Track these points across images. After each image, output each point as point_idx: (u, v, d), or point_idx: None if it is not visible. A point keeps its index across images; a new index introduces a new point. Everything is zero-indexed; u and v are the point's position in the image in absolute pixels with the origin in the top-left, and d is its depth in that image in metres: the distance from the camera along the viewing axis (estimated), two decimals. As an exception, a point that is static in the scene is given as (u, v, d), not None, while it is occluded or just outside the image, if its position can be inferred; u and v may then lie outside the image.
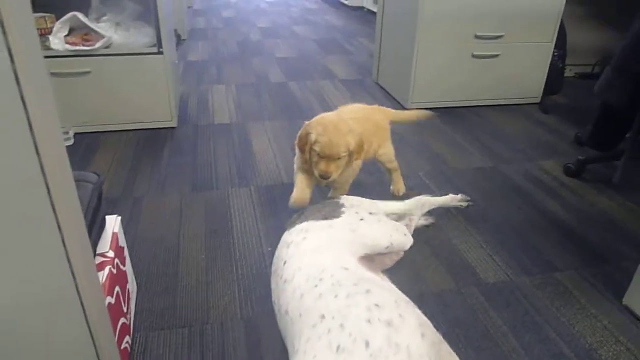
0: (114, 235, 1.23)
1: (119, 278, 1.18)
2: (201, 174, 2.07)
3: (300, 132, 1.57)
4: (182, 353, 1.22)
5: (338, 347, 0.85)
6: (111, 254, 1.16)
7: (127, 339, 1.19)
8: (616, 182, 1.91)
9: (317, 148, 1.50)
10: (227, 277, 1.49)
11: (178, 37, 4.13)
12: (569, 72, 3.39)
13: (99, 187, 1.20)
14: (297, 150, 1.63)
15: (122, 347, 1.13)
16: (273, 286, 1.20)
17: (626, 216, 1.86)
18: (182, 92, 3.02)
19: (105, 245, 1.18)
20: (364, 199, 1.47)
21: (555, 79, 3.00)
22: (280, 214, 1.80)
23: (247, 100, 2.94)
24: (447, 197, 1.81)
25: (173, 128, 2.50)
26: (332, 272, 1.06)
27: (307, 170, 1.60)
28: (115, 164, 2.12)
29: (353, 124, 1.57)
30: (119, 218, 1.30)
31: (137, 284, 1.42)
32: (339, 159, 1.51)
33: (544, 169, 2.20)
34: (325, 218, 1.31)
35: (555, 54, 2.93)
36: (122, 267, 1.24)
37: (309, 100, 2.96)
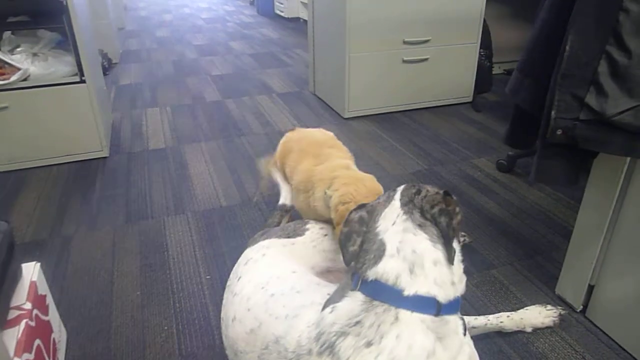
0: (32, 284, 1.16)
1: (39, 330, 1.10)
2: (135, 204, 2.00)
3: (340, 216, 1.26)
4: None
5: None
6: (28, 306, 1.09)
7: (53, 393, 1.12)
8: (531, 182, 1.99)
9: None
10: (164, 312, 1.43)
11: (109, 60, 4.00)
12: (497, 70, 3.52)
13: (9, 235, 1.12)
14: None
15: (48, 404, 1.06)
16: (223, 302, 1.19)
17: (555, 207, 1.94)
18: (114, 118, 2.91)
19: (20, 297, 1.11)
20: None
21: (484, 78, 3.11)
22: (218, 239, 1.76)
23: (182, 122, 2.87)
24: None
25: (104, 158, 2.40)
26: (279, 275, 1.11)
27: None
28: (41, 202, 2.01)
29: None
30: (38, 265, 1.22)
31: (66, 330, 1.34)
32: None
33: (477, 167, 2.26)
34: (288, 236, 1.31)
35: (482, 53, 3.04)
36: (43, 317, 1.16)
37: (246, 117, 2.93)
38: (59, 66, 2.25)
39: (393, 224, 0.85)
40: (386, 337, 0.78)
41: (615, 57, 1.00)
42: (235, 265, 1.29)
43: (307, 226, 1.37)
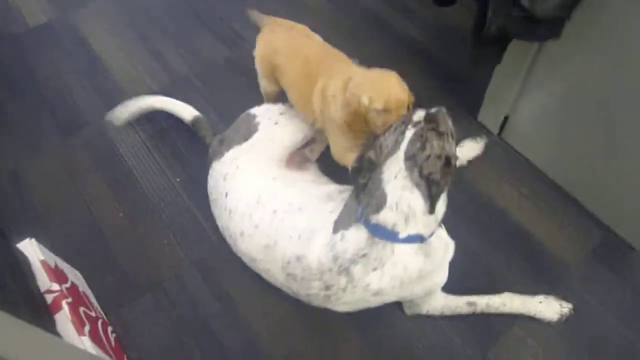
0: (43, 263, 1.24)
1: (75, 298, 1.25)
2: (61, 111, 1.86)
3: (344, 105, 1.26)
4: (159, 317, 1.41)
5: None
6: (56, 287, 1.20)
7: (109, 329, 1.35)
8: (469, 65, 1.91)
9: (378, 106, 1.20)
10: (155, 227, 1.57)
11: None
12: None
13: None
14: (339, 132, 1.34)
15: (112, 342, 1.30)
16: (217, 213, 1.42)
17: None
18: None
19: (44, 280, 1.21)
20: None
21: None
22: (168, 133, 1.77)
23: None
24: None
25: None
26: (265, 187, 1.32)
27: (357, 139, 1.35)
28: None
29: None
30: (34, 240, 1.27)
31: (78, 270, 1.48)
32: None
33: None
34: (246, 138, 1.44)
35: None
36: (67, 285, 1.28)
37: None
38: None
39: (395, 177, 1.04)
40: (387, 264, 1.07)
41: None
42: (212, 180, 1.44)
43: (257, 120, 1.47)
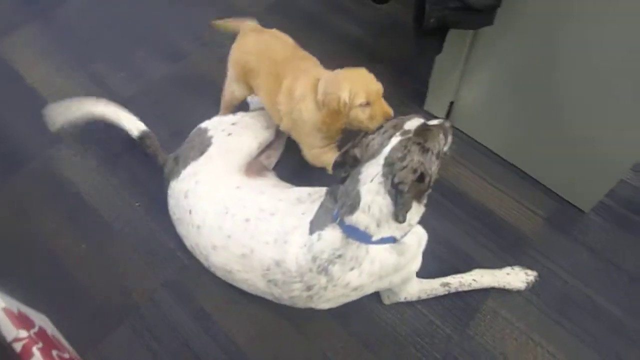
0: (5, 310, 1.17)
1: (45, 342, 1.19)
2: (2, 146, 1.76)
3: (324, 103, 1.29)
4: (137, 346, 1.36)
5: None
6: (23, 333, 1.14)
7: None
8: (414, 56, 1.95)
9: (361, 100, 1.26)
10: (122, 253, 1.52)
11: None
12: None
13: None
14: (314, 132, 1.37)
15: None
16: (183, 232, 1.40)
17: (408, 15, 2.10)
18: None
19: (9, 329, 1.14)
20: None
21: None
22: (121, 156, 1.72)
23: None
24: None
25: None
26: (231, 197, 1.31)
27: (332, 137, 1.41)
28: None
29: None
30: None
31: (44, 313, 1.40)
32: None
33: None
34: (201, 152, 1.42)
35: None
36: (34, 329, 1.21)
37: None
38: None
39: (371, 180, 1.05)
40: (364, 263, 1.10)
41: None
42: (172, 200, 1.42)
43: (209, 133, 1.47)
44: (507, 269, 1.42)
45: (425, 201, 1.13)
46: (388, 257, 1.11)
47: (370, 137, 1.10)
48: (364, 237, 1.08)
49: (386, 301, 1.38)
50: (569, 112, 1.38)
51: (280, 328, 1.38)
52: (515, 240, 1.52)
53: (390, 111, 1.30)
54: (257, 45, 1.47)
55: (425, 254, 1.26)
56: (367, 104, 1.26)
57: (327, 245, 1.11)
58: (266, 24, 1.87)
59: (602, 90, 1.26)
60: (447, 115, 1.76)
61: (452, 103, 1.71)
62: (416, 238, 1.20)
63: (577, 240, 1.52)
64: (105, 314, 1.42)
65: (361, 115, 1.27)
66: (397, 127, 1.08)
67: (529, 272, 1.42)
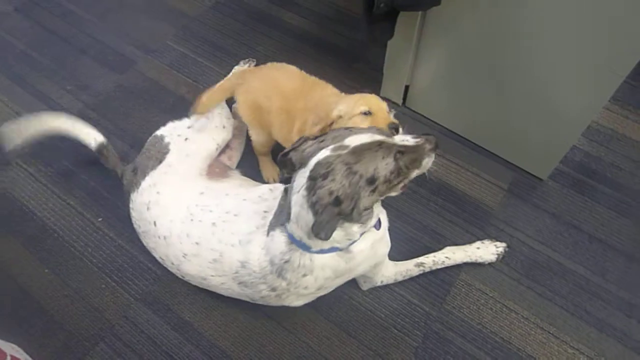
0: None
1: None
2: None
3: (315, 123, 1.25)
4: (118, 365, 1.33)
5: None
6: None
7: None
8: (367, 43, 1.88)
9: (363, 107, 1.22)
10: (88, 273, 1.47)
11: None
12: None
13: None
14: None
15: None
16: (151, 245, 1.36)
17: (350, 2, 2.12)
18: None
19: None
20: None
21: None
22: (75, 175, 1.66)
23: None
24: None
25: None
26: (196, 203, 1.29)
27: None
28: None
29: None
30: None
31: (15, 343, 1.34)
32: None
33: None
34: (160, 161, 1.39)
35: None
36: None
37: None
38: None
39: (298, 191, 0.98)
40: (315, 270, 1.09)
41: None
42: (135, 213, 1.38)
43: (165, 140, 1.44)
44: (477, 243, 1.46)
45: (368, 216, 1.02)
46: (337, 263, 1.09)
47: (310, 142, 1.01)
48: (303, 247, 1.05)
49: (363, 286, 1.40)
50: (519, 83, 1.43)
51: (263, 326, 1.38)
52: (480, 213, 1.56)
53: (396, 121, 1.24)
54: (262, 82, 1.43)
55: (396, 235, 1.28)
56: (369, 112, 1.22)
57: (277, 249, 1.09)
58: (210, 25, 1.85)
59: (550, 58, 1.31)
60: (404, 100, 1.79)
61: (407, 87, 1.74)
62: (369, 241, 1.12)
63: (539, 207, 1.58)
64: (79, 338, 1.37)
65: (360, 125, 1.21)
66: (336, 139, 0.96)
67: (498, 244, 1.47)
